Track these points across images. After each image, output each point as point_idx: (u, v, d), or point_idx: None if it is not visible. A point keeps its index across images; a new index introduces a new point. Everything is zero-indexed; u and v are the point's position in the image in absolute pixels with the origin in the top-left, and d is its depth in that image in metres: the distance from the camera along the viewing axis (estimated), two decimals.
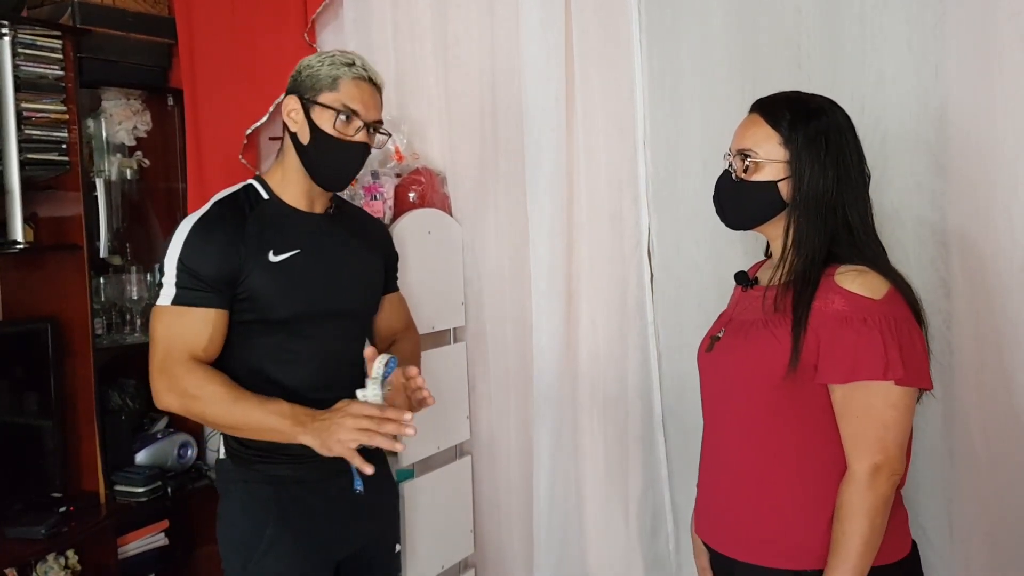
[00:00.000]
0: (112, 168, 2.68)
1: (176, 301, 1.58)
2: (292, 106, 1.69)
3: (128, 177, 2.71)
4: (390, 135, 1.76)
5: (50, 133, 2.32)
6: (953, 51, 1.78)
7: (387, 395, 1.57)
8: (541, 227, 2.27)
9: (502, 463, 2.47)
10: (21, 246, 2.28)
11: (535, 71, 2.25)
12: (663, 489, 2.27)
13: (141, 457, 2.59)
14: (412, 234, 2.24)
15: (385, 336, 1.91)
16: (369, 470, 1.49)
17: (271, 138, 2.64)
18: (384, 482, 1.87)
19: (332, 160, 1.68)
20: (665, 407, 2.25)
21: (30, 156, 2.27)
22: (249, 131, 2.58)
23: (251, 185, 1.73)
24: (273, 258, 1.64)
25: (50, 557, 2.30)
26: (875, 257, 1.42)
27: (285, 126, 1.72)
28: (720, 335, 1.53)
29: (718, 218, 1.57)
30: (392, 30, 2.50)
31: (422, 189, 2.34)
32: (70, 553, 2.35)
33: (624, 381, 2.28)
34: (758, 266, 1.64)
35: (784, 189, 1.43)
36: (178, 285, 1.58)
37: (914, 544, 1.47)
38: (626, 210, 2.24)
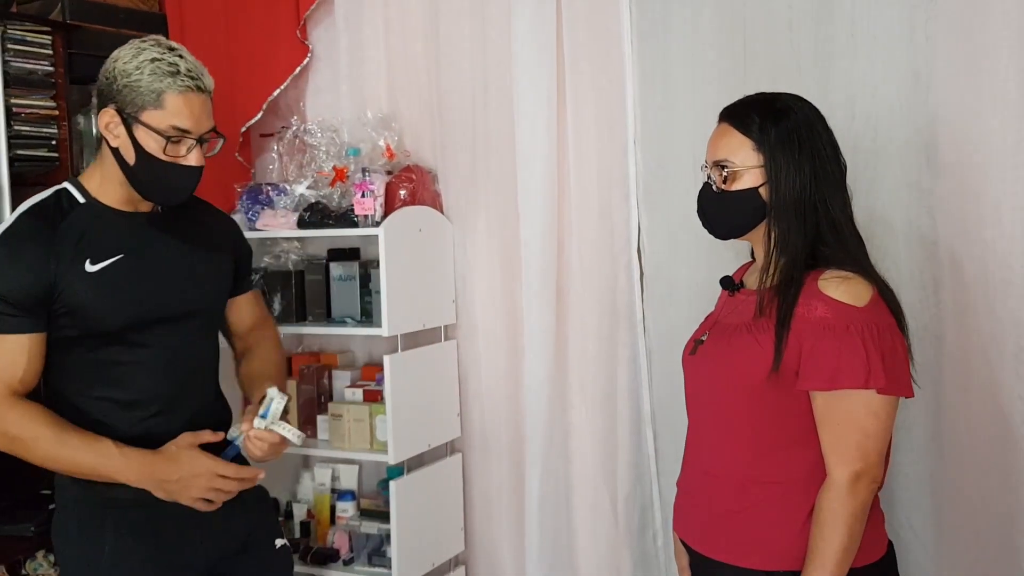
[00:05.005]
0: None
1: None
2: (109, 119, 1.53)
3: None
4: (225, 138, 1.63)
5: (39, 129, 2.30)
6: (943, 55, 1.78)
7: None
8: (532, 225, 2.28)
9: (493, 460, 2.47)
10: None
11: (526, 69, 2.25)
12: (651, 486, 2.28)
13: None
14: (403, 232, 2.24)
15: (240, 334, 1.85)
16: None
17: (262, 135, 2.63)
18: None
19: (164, 183, 1.57)
20: (654, 405, 2.26)
21: (19, 152, 2.25)
22: (244, 128, 2.58)
23: (65, 189, 1.60)
24: (91, 267, 1.53)
25: (39, 555, 2.29)
26: (857, 253, 1.43)
27: (103, 134, 1.57)
28: (704, 338, 1.53)
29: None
30: (384, 28, 2.50)
31: (413, 186, 2.34)
32: None
33: (614, 379, 2.28)
34: (744, 269, 1.64)
35: (765, 193, 1.43)
36: None
37: (890, 544, 1.47)
38: (616, 208, 2.25)
